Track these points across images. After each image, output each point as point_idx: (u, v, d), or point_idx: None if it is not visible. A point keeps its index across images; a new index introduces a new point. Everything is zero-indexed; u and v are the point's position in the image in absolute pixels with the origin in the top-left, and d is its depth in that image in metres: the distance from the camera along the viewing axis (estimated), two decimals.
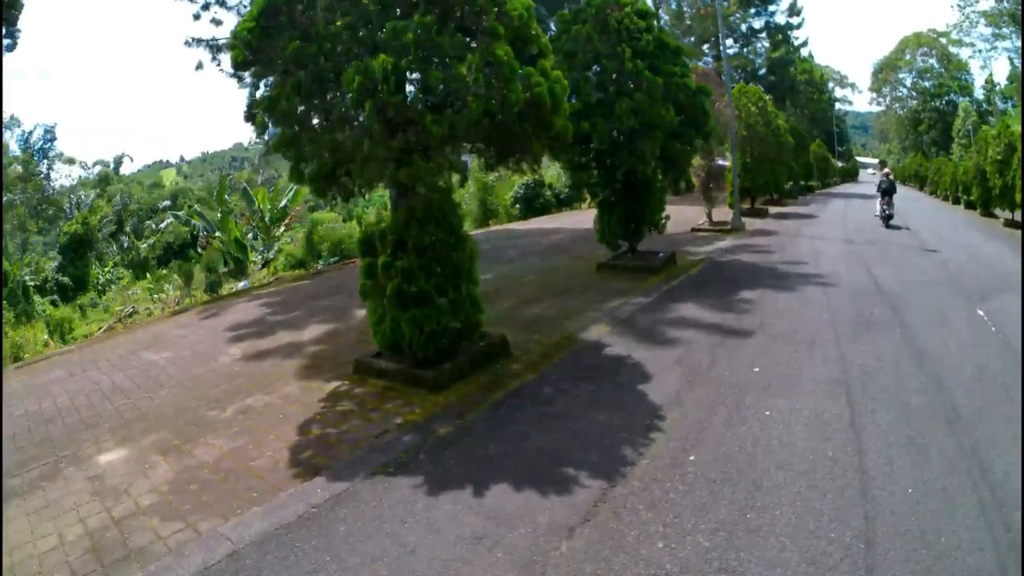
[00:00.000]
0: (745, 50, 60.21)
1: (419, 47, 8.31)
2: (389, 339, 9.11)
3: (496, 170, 11.84)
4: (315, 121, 9.09)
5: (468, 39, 8.85)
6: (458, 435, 7.44)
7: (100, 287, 38.72)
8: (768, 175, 32.49)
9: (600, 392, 8.63)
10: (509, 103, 8.32)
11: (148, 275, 29.59)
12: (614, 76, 15.80)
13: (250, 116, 9.17)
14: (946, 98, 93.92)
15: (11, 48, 23.14)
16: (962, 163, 42.46)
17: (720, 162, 27.79)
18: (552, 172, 42.63)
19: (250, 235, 28.91)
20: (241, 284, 22.21)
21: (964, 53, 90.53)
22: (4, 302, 26.77)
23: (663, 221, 17.61)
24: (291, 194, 29.44)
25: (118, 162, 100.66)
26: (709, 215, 26.14)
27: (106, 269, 42.82)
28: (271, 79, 9.07)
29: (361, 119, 8.50)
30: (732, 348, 10.14)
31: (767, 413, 7.52)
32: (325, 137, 8.95)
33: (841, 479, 5.92)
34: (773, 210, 34.76)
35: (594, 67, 16.30)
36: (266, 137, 9.64)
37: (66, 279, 41.83)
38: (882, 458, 6.27)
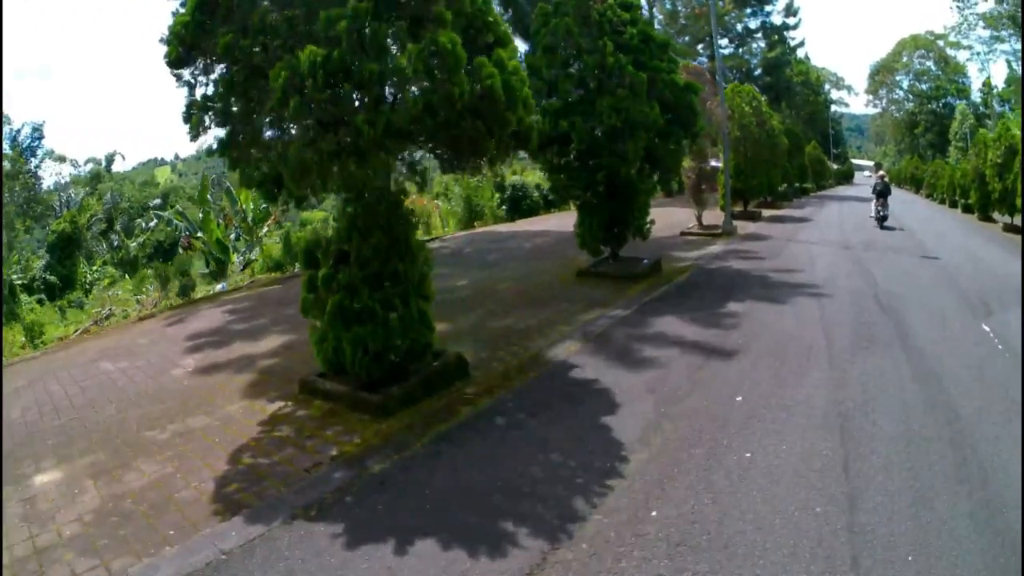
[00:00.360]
0: (740, 50, 59.11)
1: (352, 36, 7.24)
2: (331, 360, 8.30)
3: (455, 172, 10.67)
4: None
5: (414, 28, 7.78)
6: (394, 473, 6.62)
7: (87, 286, 37.92)
8: (762, 177, 31.62)
9: (559, 425, 7.63)
10: (453, 97, 7.26)
11: (134, 275, 28.96)
12: (595, 72, 14.83)
13: (188, 117, 8.15)
14: (943, 101, 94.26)
15: None
16: (959, 166, 41.92)
17: (713, 163, 26.95)
18: (540, 174, 41.85)
19: (233, 236, 28.03)
20: (219, 286, 21.75)
21: (962, 56, 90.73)
22: None
23: (647, 226, 16.64)
24: None
25: (110, 160, 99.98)
26: (699, 218, 25.13)
27: (94, 268, 41.94)
28: (211, 77, 8.23)
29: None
30: (714, 371, 9.15)
31: (748, 455, 6.51)
32: (261, 139, 8.07)
33: (829, 544, 4.92)
34: (766, 213, 33.75)
35: (575, 62, 15.37)
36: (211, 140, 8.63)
37: (53, 278, 41.03)
38: (880, 516, 5.26)
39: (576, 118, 14.68)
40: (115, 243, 52.11)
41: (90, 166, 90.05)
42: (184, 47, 7.87)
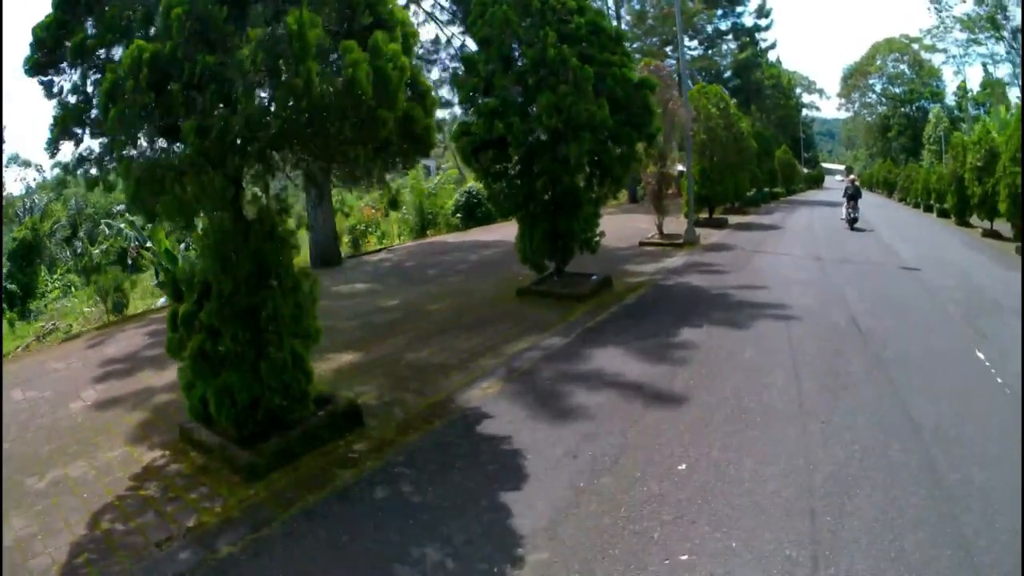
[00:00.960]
0: (710, 52, 57.54)
1: (185, 25, 5.58)
2: (198, 411, 7.12)
3: (346, 186, 8.75)
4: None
5: (280, 13, 6.04)
6: (240, 560, 5.31)
7: (44, 296, 36.60)
8: (728, 182, 30.09)
9: (448, 504, 5.93)
10: (298, 93, 5.55)
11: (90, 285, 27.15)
12: (536, 66, 13.15)
13: (52, 127, 6.62)
14: (916, 104, 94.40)
15: None
16: (935, 170, 41.42)
17: (681, 167, 25.43)
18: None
19: (183, 245, 25.88)
20: (162, 300, 20.12)
21: (937, 59, 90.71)
22: None
23: (596, 239, 15.03)
24: None
25: (77, 164, 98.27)
26: (660, 227, 23.50)
27: (55, 276, 40.44)
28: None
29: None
30: (654, 427, 7.39)
31: (683, 558, 4.85)
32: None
33: None
34: (733, 220, 32.22)
35: (517, 57, 13.71)
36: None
37: (14, 287, 39.46)
38: None
39: (514, 119, 13.01)
40: (79, 250, 50.40)
41: (56, 171, 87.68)
42: (44, 50, 6.56)
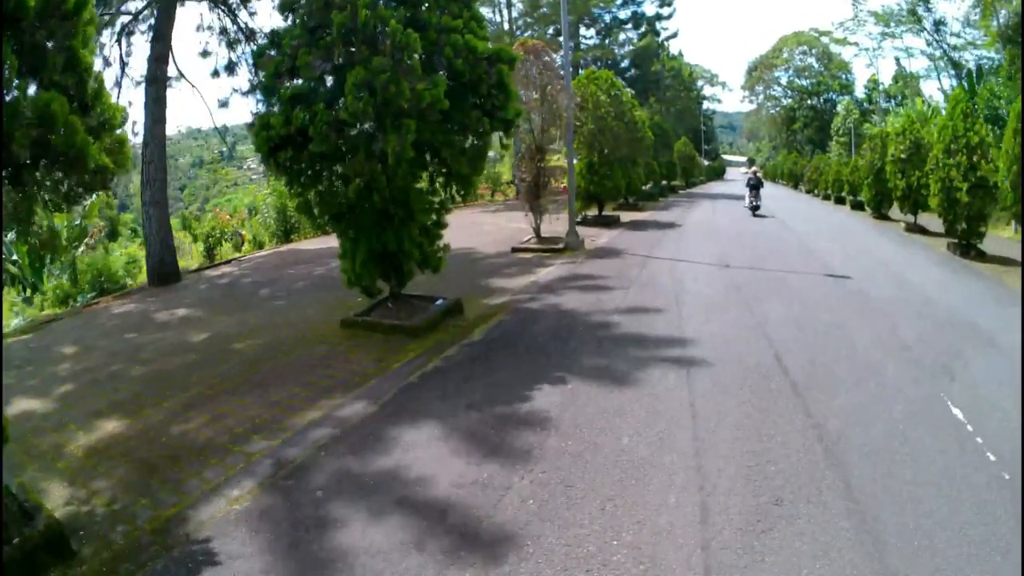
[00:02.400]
0: (607, 41, 54.55)
1: None
2: None
3: None
4: None
5: None
6: None
7: None
8: (619, 176, 27.04)
9: None
10: None
11: None
12: (346, 36, 10.08)
13: None
14: (824, 96, 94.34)
15: None
16: (850, 161, 40.08)
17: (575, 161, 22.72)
18: None
19: (49, 258, 23.81)
20: (15, 322, 17.69)
21: (848, 53, 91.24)
22: None
23: (439, 254, 12.05)
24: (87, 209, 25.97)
25: None
26: (536, 229, 20.43)
27: None
28: None
29: None
30: None
31: None
32: None
33: None
34: (627, 217, 29.44)
35: (325, 28, 10.39)
36: None
37: None
38: None
39: (319, 105, 9.92)
40: None
41: None
42: None
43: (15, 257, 22.55)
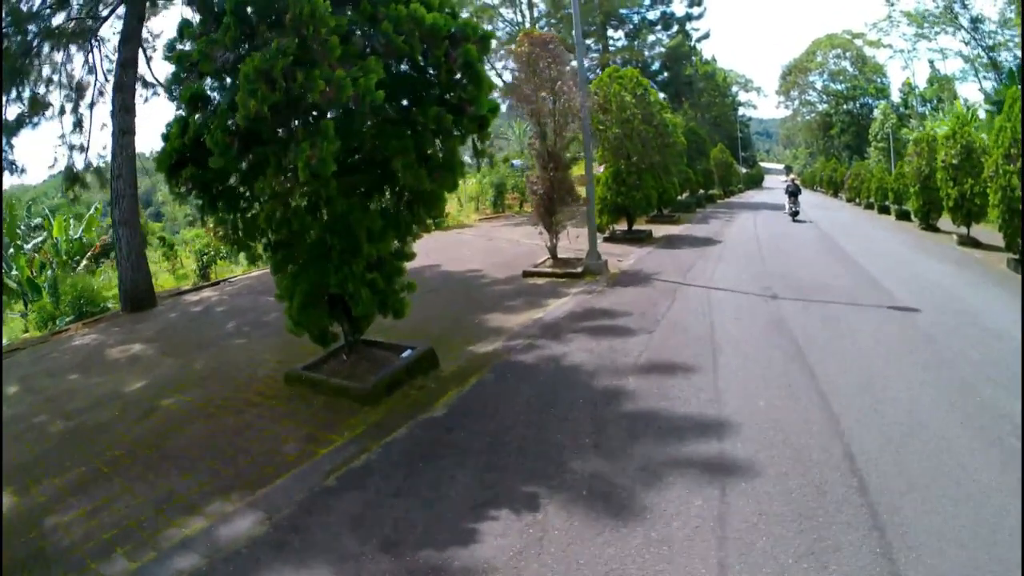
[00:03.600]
0: (636, 43, 50.88)
1: None
2: None
3: None
4: None
5: None
6: None
7: None
8: (650, 186, 23.53)
9: None
10: None
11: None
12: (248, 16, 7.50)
13: None
14: (860, 101, 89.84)
15: None
16: (899, 165, 36.74)
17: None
18: None
19: (50, 271, 23.24)
20: None
21: (882, 55, 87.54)
22: None
23: (402, 295, 9.13)
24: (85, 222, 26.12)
25: None
26: (552, 250, 17.21)
27: None
28: None
29: None
30: None
31: None
32: None
33: None
34: (660, 231, 25.87)
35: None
36: None
37: None
38: None
39: (221, 107, 7.46)
40: None
41: None
42: None
43: (14, 271, 22.25)
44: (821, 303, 12.44)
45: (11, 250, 23.61)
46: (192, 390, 9.58)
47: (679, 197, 33.83)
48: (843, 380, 8.08)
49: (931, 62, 75.23)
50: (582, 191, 17.18)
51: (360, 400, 8.18)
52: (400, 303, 8.99)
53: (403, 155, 7.99)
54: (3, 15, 18.66)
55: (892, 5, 70.35)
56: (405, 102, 8.37)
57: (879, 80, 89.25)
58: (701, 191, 44.41)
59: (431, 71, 8.10)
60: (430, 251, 22.72)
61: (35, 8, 19.74)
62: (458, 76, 8.20)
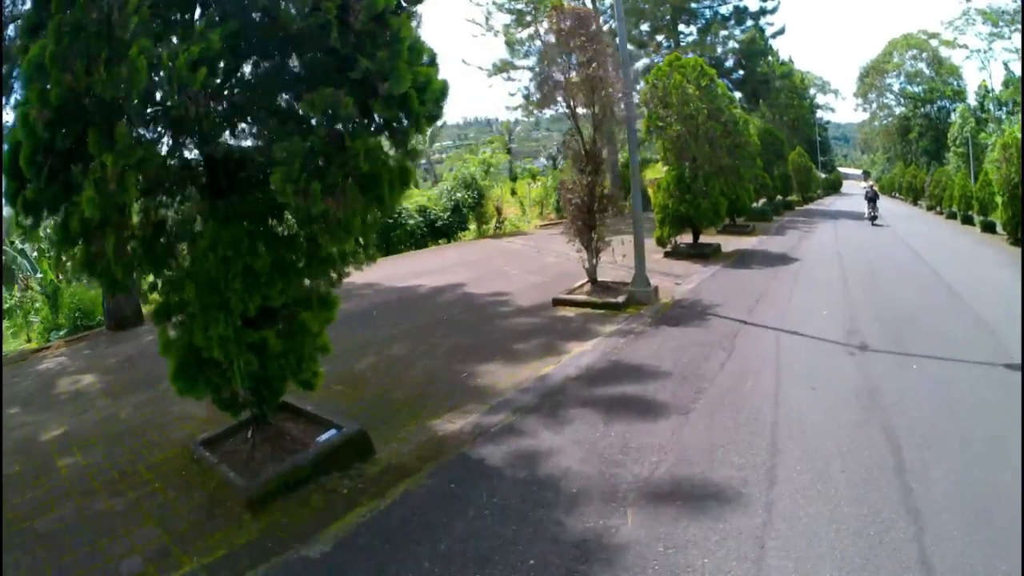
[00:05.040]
0: (708, 38, 46.31)
1: None
2: None
3: None
4: None
5: None
6: None
7: None
8: (718, 194, 19.61)
9: None
10: None
11: None
12: None
13: None
14: (937, 104, 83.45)
15: None
16: (980, 175, 33.97)
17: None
18: (434, 192, 30.93)
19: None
20: None
21: (958, 56, 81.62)
22: None
23: (305, 363, 6.29)
24: None
25: None
26: (591, 272, 13.59)
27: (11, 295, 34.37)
28: None
29: None
30: None
31: None
32: None
33: None
34: (730, 244, 21.84)
35: None
36: None
37: None
38: None
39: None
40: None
41: None
42: None
43: (39, 274, 20.35)
44: (921, 359, 8.82)
45: (35, 253, 21.17)
46: (97, 449, 7.54)
47: (754, 204, 29.83)
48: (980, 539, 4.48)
49: (1005, 64, 69.42)
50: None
51: (244, 504, 5.61)
52: (310, 375, 6.18)
53: (284, 165, 4.84)
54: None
55: (968, 1, 65.25)
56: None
57: (955, 83, 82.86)
58: (779, 197, 40.04)
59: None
60: (467, 264, 19.79)
61: None
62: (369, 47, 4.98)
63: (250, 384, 5.79)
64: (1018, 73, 64.31)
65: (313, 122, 5.44)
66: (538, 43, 12.65)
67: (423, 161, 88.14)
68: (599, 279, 13.62)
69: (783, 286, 14.66)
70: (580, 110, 12.94)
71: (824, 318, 11.37)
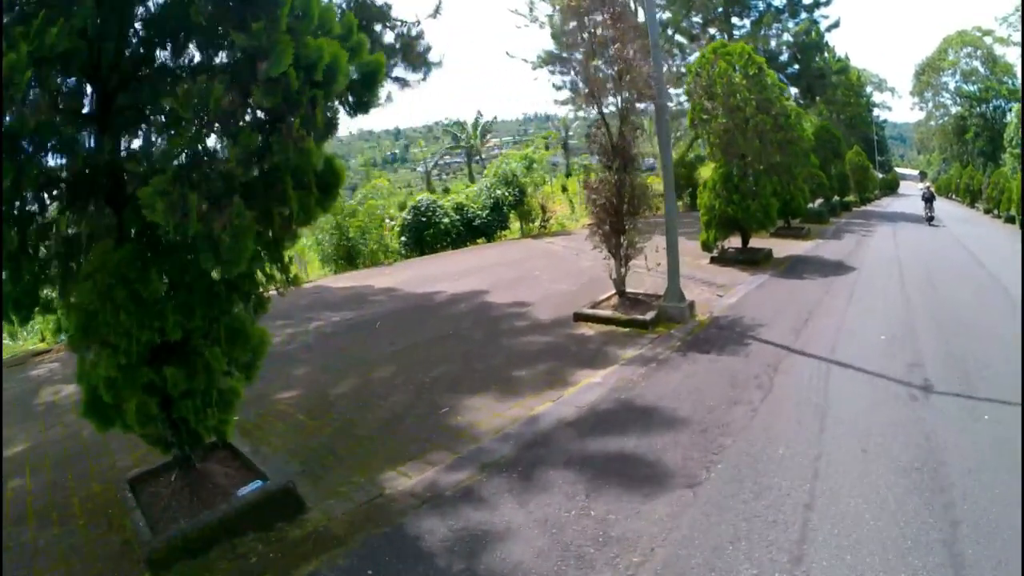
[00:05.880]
0: (761, 30, 43.50)
1: None
2: None
3: None
4: None
5: None
6: None
7: None
8: (769, 195, 17.54)
9: None
10: None
11: None
12: None
13: None
14: (992, 103, 79.35)
15: None
16: None
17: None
18: (472, 190, 29.31)
19: None
20: None
21: (1012, 54, 77.67)
22: None
23: (220, 425, 4.97)
24: None
25: None
26: (619, 282, 11.82)
27: None
28: None
29: None
30: None
31: None
32: None
33: None
34: (782, 249, 19.65)
35: None
36: None
37: None
38: None
39: None
40: None
41: None
42: None
43: None
44: (998, 407, 6.80)
45: None
46: (45, 473, 6.81)
47: (810, 205, 27.56)
48: None
49: None
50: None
51: (146, 560, 4.68)
52: (214, 420, 4.93)
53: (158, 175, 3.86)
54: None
55: None
56: None
57: (1010, 82, 78.77)
58: (836, 198, 37.33)
59: None
60: (497, 267, 18.44)
61: None
62: None
63: (160, 424, 4.76)
64: None
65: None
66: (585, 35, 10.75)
67: (477, 157, 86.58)
68: (628, 290, 11.81)
69: (837, 300, 12.59)
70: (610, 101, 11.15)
71: (882, 344, 9.39)
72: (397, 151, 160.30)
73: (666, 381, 8.04)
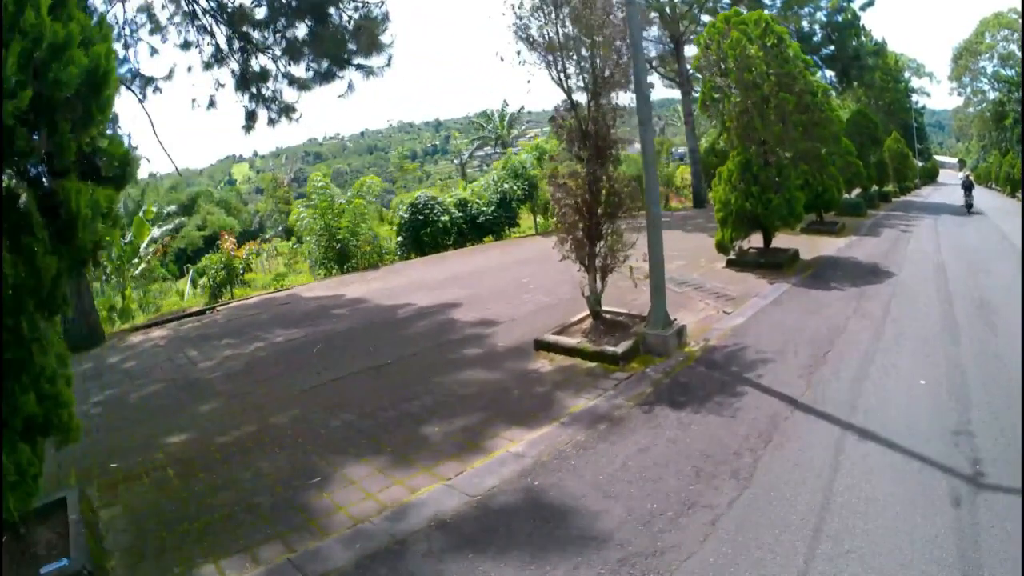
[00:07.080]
0: (793, 8, 40.00)
1: None
2: None
3: None
4: None
5: None
6: None
7: None
8: (795, 187, 14.77)
9: None
10: None
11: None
12: None
13: None
14: None
15: None
16: None
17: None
18: (477, 184, 27.08)
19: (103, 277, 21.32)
20: None
21: None
22: None
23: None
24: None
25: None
26: (592, 302, 9.37)
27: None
28: None
29: None
30: None
31: None
32: None
33: None
34: (812, 249, 16.70)
35: None
36: None
37: None
38: None
39: None
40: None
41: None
42: None
43: None
44: None
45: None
46: None
47: (846, 196, 24.68)
48: None
49: None
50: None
51: None
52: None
53: None
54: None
55: None
56: None
57: None
58: (874, 188, 34.05)
59: None
60: (483, 274, 16.49)
61: None
62: None
63: None
64: None
65: None
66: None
67: (513, 148, 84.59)
68: (608, 309, 9.44)
69: (866, 322, 9.75)
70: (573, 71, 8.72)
71: (921, 393, 6.71)
72: (437, 143, 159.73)
73: (609, 457, 5.58)
